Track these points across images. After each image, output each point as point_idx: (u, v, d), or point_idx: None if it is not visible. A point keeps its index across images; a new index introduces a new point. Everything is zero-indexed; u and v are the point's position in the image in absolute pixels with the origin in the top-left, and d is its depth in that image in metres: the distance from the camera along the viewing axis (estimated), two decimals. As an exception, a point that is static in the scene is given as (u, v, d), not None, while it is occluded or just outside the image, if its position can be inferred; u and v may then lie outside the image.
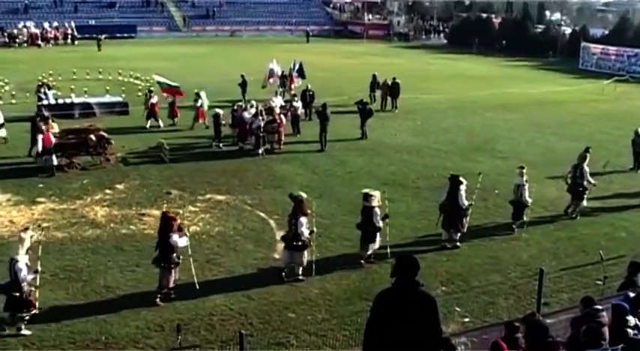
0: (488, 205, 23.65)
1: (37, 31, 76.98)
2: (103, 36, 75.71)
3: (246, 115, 31.29)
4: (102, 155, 28.04)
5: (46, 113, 31.46)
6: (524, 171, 22.04)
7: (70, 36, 78.96)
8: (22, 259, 14.87)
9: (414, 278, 8.02)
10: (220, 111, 32.54)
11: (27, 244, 15.19)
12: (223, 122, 32.02)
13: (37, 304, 15.22)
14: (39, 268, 15.53)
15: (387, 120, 39.04)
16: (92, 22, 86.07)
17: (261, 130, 30.59)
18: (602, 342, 10.05)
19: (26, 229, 16.16)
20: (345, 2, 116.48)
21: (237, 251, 19.54)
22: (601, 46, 72.09)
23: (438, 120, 39.73)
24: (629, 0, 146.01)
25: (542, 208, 23.91)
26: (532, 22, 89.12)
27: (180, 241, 16.55)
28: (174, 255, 16.48)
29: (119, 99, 39.08)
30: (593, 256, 18.88)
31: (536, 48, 79.69)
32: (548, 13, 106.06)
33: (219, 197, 24.26)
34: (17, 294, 14.77)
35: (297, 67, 43.85)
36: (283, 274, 18.00)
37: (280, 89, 43.10)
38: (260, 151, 30.45)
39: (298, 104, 35.59)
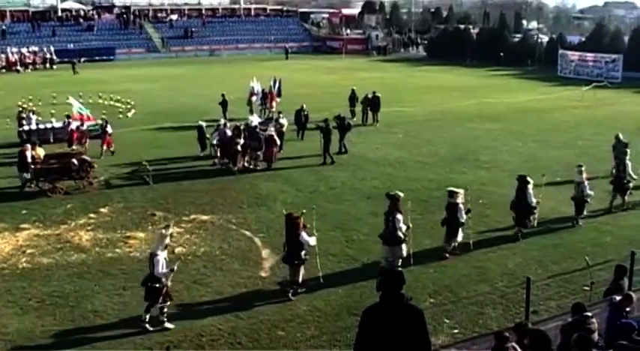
0: (474, 215, 23.49)
1: (16, 57, 76.67)
2: (83, 59, 75.59)
3: (229, 133, 31.23)
4: (85, 179, 27.90)
5: (33, 138, 31.43)
6: (583, 169, 23.58)
7: (48, 60, 78.67)
8: (162, 255, 16.16)
9: (400, 292, 8.04)
10: (204, 123, 33.34)
11: (166, 241, 16.60)
12: (208, 136, 32.78)
13: (167, 299, 16.35)
14: (175, 267, 16.57)
15: (369, 134, 39.09)
16: (70, 45, 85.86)
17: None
18: (593, 349, 10.06)
19: (167, 226, 18.05)
20: (323, 18, 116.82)
21: (223, 271, 19.47)
22: (578, 53, 72.64)
23: (419, 132, 39.78)
24: (605, 6, 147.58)
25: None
26: (509, 31, 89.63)
27: (311, 239, 17.90)
28: (303, 252, 17.74)
29: (100, 122, 38.83)
30: (579, 262, 18.91)
31: (515, 57, 79.99)
32: (525, 22, 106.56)
33: (204, 217, 24.18)
34: (156, 285, 16.03)
35: (277, 85, 43.87)
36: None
37: (260, 107, 43.08)
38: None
39: (284, 121, 35.42)
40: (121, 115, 43.85)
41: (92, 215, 24.52)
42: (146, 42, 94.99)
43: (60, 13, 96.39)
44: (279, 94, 43.83)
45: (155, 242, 16.85)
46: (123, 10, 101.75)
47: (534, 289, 15.78)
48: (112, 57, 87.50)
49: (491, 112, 46.79)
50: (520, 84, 64.91)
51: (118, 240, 21.96)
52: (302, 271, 17.96)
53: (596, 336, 11.34)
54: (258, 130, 31.61)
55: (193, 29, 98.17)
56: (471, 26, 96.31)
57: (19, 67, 75.37)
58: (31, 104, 44.95)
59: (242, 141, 30.70)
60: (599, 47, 72.16)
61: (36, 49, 79.79)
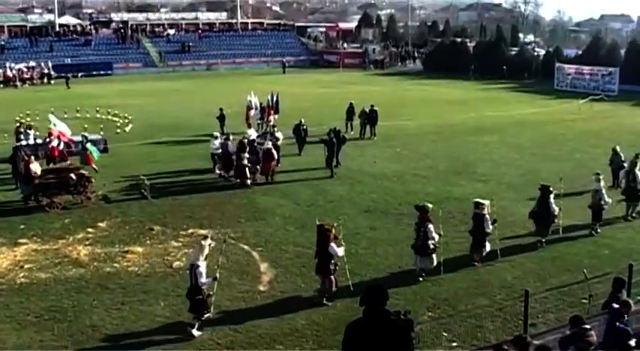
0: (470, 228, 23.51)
1: (14, 72, 76.64)
2: (80, 74, 75.52)
3: (231, 146, 31.21)
4: (83, 194, 27.88)
5: (28, 152, 31.26)
6: (601, 177, 24.36)
7: (46, 75, 78.61)
8: (203, 265, 16.43)
9: (383, 307, 8.10)
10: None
11: (206, 251, 16.78)
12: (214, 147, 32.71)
13: (211, 308, 17.00)
14: (217, 275, 17.09)
15: (367, 148, 39.14)
16: (68, 60, 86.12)
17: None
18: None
19: (206, 237, 18.52)
20: (320, 32, 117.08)
21: (222, 285, 19.35)
22: (575, 66, 72.62)
23: (417, 145, 39.83)
24: (601, 20, 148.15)
25: (524, 229, 23.95)
26: (506, 44, 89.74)
27: (339, 250, 18.37)
28: (333, 262, 18.19)
29: (98, 137, 38.83)
30: (577, 275, 18.92)
31: (512, 70, 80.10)
32: (521, 35, 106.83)
33: (202, 231, 24.10)
34: (199, 297, 16.41)
35: (275, 99, 43.92)
36: (420, 279, 19.80)
37: (258, 121, 43.11)
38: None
39: (279, 134, 35.39)
40: (118, 130, 43.95)
41: (90, 230, 24.50)
42: (143, 57, 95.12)
43: (57, 29, 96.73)
44: (276, 111, 43.81)
45: (195, 253, 17.05)
46: (120, 25, 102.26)
47: (533, 302, 15.78)
48: (109, 72, 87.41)
49: (489, 125, 46.86)
50: (517, 97, 65.00)
51: (116, 255, 21.93)
52: (333, 280, 18.27)
53: (594, 349, 11.34)
54: (255, 144, 31.68)
55: (190, 44, 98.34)
56: (467, 40, 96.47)
57: (17, 83, 75.35)
58: (28, 119, 44.96)
59: (247, 155, 30.65)
60: (596, 60, 72.21)
61: (33, 64, 79.77)
